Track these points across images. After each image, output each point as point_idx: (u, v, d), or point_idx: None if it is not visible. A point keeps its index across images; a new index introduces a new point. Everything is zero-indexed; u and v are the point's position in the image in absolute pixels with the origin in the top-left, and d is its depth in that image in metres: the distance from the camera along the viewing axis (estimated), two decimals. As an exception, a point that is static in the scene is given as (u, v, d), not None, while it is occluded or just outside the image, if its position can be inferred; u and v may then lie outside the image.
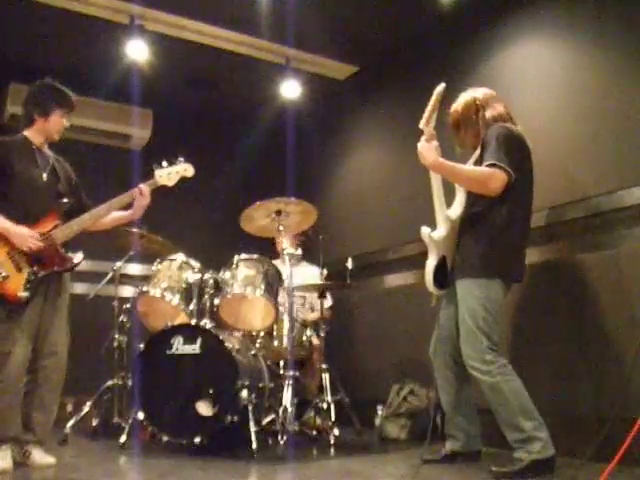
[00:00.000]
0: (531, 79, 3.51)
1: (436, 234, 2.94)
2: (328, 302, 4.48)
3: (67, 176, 3.17)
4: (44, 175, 3.03)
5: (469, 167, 2.89)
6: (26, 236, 2.87)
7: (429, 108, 2.83)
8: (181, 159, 3.28)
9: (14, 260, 2.85)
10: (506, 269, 2.79)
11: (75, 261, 3.01)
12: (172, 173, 3.24)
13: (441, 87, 2.81)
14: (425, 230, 2.95)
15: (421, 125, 2.84)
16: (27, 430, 2.93)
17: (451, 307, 2.96)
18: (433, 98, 2.82)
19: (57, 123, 3.08)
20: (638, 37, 3.00)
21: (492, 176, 2.71)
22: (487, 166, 2.73)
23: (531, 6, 3.56)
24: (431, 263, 2.96)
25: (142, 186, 3.17)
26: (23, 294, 2.83)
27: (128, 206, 3.20)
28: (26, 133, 3.08)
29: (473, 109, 2.93)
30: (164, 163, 3.25)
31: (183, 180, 3.30)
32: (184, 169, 3.28)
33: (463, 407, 2.98)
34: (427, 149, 2.81)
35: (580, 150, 3.22)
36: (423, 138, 2.84)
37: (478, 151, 2.92)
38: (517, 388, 2.67)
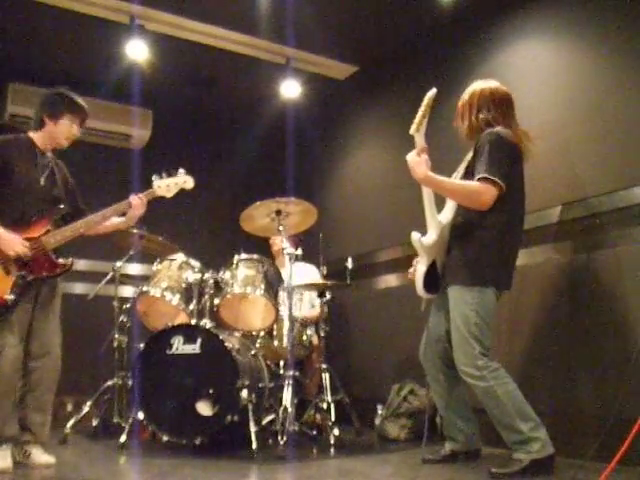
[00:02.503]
0: (531, 79, 3.51)
1: (426, 239, 2.92)
2: (326, 296, 4.50)
3: (64, 180, 3.16)
4: (41, 179, 3.01)
5: (459, 182, 2.86)
6: (14, 241, 2.84)
7: (419, 114, 2.77)
8: (181, 171, 3.23)
9: (2, 263, 2.84)
10: (498, 277, 2.79)
11: (65, 267, 2.99)
12: (171, 185, 3.20)
13: (432, 92, 2.76)
14: (415, 235, 2.93)
15: (411, 131, 2.79)
16: (25, 431, 2.93)
17: (441, 312, 2.95)
18: (424, 103, 2.76)
19: (66, 129, 3.06)
20: (638, 37, 3.00)
21: (482, 192, 2.71)
22: (478, 179, 2.72)
23: (531, 6, 3.56)
24: (421, 268, 2.94)
25: (140, 195, 3.14)
26: (9, 297, 2.81)
27: (124, 212, 3.18)
28: (31, 134, 3.06)
29: (475, 102, 2.91)
30: (163, 174, 3.21)
31: (184, 191, 3.25)
32: (183, 181, 3.23)
33: (458, 407, 2.97)
34: (417, 163, 2.78)
35: (580, 150, 3.22)
36: (414, 151, 2.81)
37: (470, 155, 2.91)
38: (511, 391, 2.67)
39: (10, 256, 2.84)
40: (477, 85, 2.96)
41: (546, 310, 3.28)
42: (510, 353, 3.31)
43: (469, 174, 2.84)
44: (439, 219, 2.94)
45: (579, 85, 3.28)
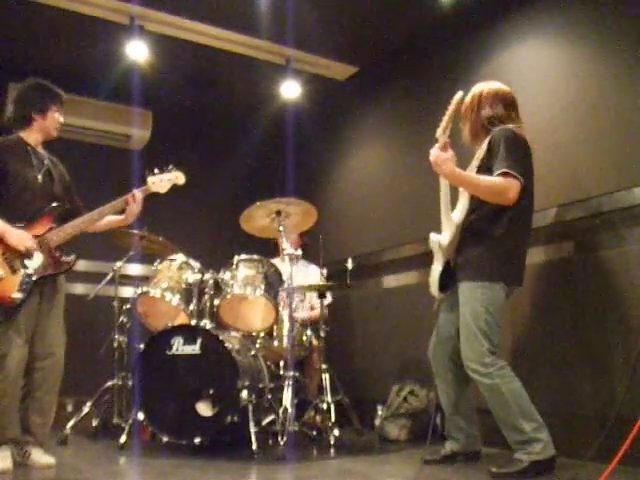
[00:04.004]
0: (532, 79, 3.51)
1: (443, 240, 2.93)
2: (327, 299, 4.49)
3: (61, 177, 3.17)
4: (39, 177, 3.02)
5: (486, 178, 2.81)
6: (24, 236, 2.88)
7: (446, 118, 2.78)
8: (172, 167, 3.33)
9: (9, 262, 2.85)
10: (509, 273, 2.79)
11: (69, 264, 3.01)
12: (164, 180, 3.29)
13: (459, 95, 2.77)
14: (434, 237, 2.95)
15: (438, 134, 2.81)
16: (26, 432, 2.92)
17: (452, 309, 2.95)
18: (451, 107, 2.77)
19: (54, 119, 3.11)
20: (638, 37, 3.00)
21: (509, 187, 2.70)
22: (500, 175, 2.72)
23: (532, 6, 3.56)
24: (437, 268, 2.95)
25: (135, 192, 3.18)
26: (18, 295, 2.82)
27: (122, 209, 3.21)
28: (21, 134, 3.06)
29: (475, 103, 2.93)
30: (156, 170, 3.29)
31: (176, 187, 3.33)
32: (175, 177, 3.32)
33: (462, 408, 2.98)
34: (443, 159, 2.77)
35: (581, 150, 3.22)
36: (437, 146, 2.81)
37: (481, 154, 2.89)
38: (516, 389, 2.67)
39: (20, 251, 2.86)
40: (478, 86, 2.98)
41: (546, 310, 3.28)
42: (510, 353, 3.31)
43: (482, 172, 2.83)
44: (452, 218, 2.95)
45: (579, 85, 3.28)
